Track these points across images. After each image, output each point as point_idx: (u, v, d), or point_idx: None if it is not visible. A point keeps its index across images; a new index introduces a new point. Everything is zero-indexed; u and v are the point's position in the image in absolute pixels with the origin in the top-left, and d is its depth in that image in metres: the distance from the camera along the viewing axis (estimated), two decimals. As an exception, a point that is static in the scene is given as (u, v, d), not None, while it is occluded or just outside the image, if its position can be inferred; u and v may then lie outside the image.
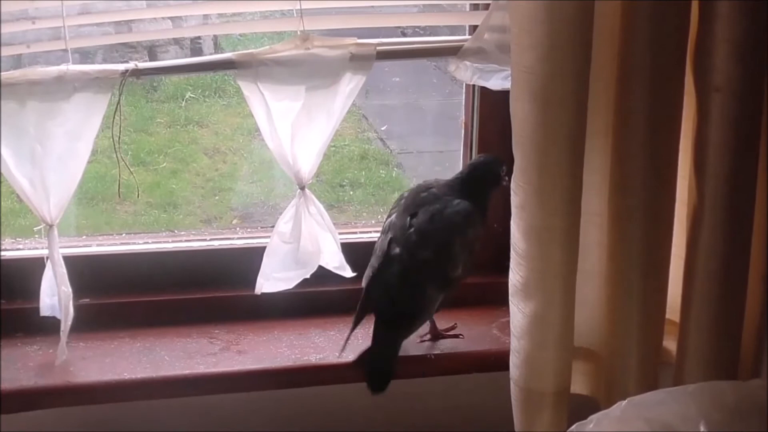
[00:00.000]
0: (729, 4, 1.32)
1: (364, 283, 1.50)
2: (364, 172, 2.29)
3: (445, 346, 1.56)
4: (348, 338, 1.50)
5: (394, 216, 1.51)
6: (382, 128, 2.46)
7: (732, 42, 1.33)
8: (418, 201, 1.51)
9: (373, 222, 1.84)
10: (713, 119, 1.37)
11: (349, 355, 1.51)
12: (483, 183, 1.53)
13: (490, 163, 1.54)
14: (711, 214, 1.40)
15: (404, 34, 1.92)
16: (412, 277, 1.47)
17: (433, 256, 1.47)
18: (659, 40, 1.34)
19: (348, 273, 1.55)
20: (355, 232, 1.73)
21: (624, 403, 1.25)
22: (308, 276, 1.54)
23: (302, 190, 1.50)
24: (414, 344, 1.55)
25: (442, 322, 1.59)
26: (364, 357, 1.49)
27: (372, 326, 1.50)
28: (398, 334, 1.49)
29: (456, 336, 1.59)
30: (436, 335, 1.58)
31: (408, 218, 1.49)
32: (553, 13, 1.28)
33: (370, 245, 1.67)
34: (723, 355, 1.44)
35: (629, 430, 1.21)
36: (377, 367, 1.49)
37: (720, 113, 1.36)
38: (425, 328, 1.56)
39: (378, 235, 1.55)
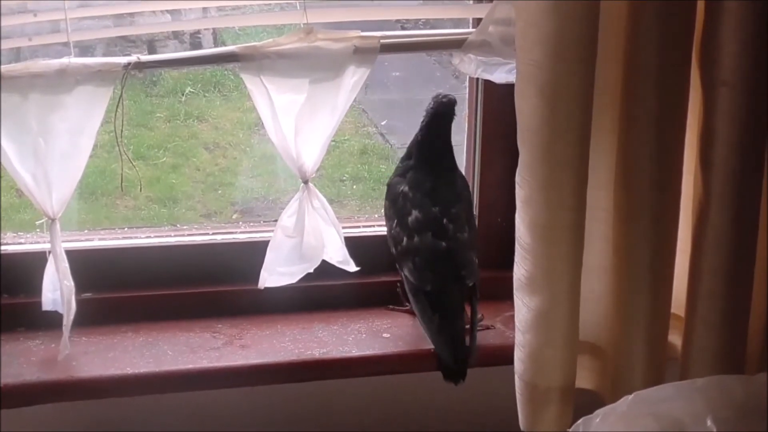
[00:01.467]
0: (737, -4, 1.32)
1: (429, 286, 1.49)
2: (365, 167, 2.29)
3: (479, 337, 1.55)
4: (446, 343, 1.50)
5: (416, 213, 1.51)
6: (382, 123, 2.46)
7: (740, 36, 1.32)
8: (427, 191, 1.52)
9: (376, 216, 1.84)
10: (720, 114, 1.36)
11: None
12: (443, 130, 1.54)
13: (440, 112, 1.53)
14: (717, 208, 1.39)
15: (404, 28, 1.91)
16: (470, 259, 1.51)
17: (468, 233, 1.52)
18: (666, 35, 1.33)
19: (352, 267, 1.55)
20: (358, 227, 1.73)
21: (630, 397, 1.25)
22: (311, 270, 1.54)
23: (305, 184, 1.50)
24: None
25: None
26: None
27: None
28: (471, 315, 1.52)
29: (487, 327, 1.60)
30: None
31: (434, 210, 1.51)
32: (560, 7, 1.27)
33: (372, 239, 1.68)
34: (729, 350, 1.44)
35: (635, 424, 1.21)
36: (462, 356, 1.49)
37: (727, 108, 1.35)
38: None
39: (381, 230, 1.55)
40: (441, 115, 1.52)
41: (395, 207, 1.54)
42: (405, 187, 1.53)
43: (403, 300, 1.60)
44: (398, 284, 1.59)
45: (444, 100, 1.52)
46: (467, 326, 1.51)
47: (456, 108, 1.53)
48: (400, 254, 1.52)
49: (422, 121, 1.54)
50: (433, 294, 1.49)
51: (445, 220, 1.50)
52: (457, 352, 1.49)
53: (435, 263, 1.49)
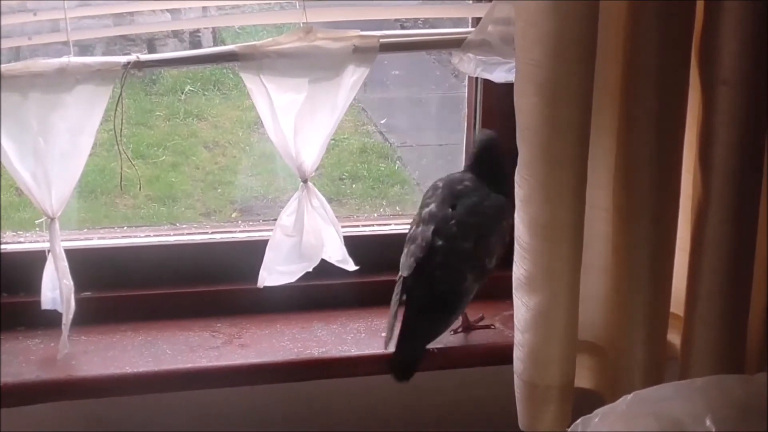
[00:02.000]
0: (736, -4, 1.32)
1: (406, 272, 1.49)
2: (364, 166, 2.29)
3: (478, 336, 1.57)
4: (392, 328, 1.49)
5: (433, 206, 1.51)
6: (382, 122, 2.46)
7: (739, 35, 1.32)
8: (455, 192, 1.51)
9: (375, 215, 1.84)
10: (719, 113, 1.36)
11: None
12: (498, 159, 1.53)
13: (494, 138, 1.55)
14: (716, 207, 1.39)
15: (403, 28, 1.91)
16: (455, 268, 1.48)
17: (473, 248, 1.48)
18: (666, 34, 1.33)
19: (351, 266, 1.55)
20: (357, 225, 1.73)
21: (629, 397, 1.25)
22: (311, 269, 1.54)
23: (305, 183, 1.50)
24: (447, 335, 1.55)
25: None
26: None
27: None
28: (434, 323, 1.49)
29: (487, 327, 1.59)
30: (468, 327, 1.58)
31: (449, 210, 1.50)
32: (560, 6, 1.27)
33: (371, 238, 1.67)
34: (729, 349, 1.44)
35: (635, 424, 1.21)
36: (408, 356, 1.49)
37: (726, 107, 1.35)
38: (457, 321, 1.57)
39: (383, 225, 1.55)
40: (486, 149, 1.54)
41: (425, 195, 1.54)
42: (441, 183, 1.54)
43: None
44: None
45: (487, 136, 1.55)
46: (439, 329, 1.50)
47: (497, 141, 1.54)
48: (407, 239, 1.52)
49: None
50: (407, 283, 1.49)
51: (452, 222, 1.49)
52: (404, 348, 1.48)
53: (422, 255, 1.48)
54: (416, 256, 1.48)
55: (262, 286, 1.53)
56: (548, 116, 1.32)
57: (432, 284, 1.48)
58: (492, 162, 1.53)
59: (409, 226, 1.54)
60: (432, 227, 1.49)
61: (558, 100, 1.31)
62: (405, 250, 1.51)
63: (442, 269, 1.48)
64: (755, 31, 1.32)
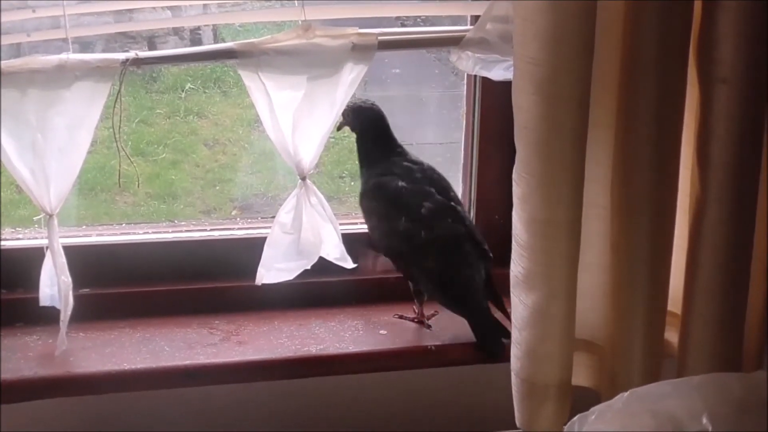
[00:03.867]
0: (734, -6, 1.32)
1: (453, 273, 1.52)
2: (363, 164, 2.29)
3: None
4: None
5: (429, 203, 1.52)
6: (382, 120, 2.45)
7: (738, 32, 1.32)
8: (419, 180, 1.55)
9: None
10: (717, 110, 1.36)
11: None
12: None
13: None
14: (714, 205, 1.39)
15: (404, 25, 1.91)
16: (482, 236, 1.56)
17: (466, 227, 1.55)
18: (663, 31, 1.33)
19: (349, 264, 1.55)
20: (355, 223, 1.72)
21: (626, 394, 1.25)
22: (309, 267, 1.54)
23: (303, 180, 1.50)
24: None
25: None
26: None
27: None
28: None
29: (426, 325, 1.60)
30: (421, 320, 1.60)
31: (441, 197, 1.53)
32: (557, 3, 1.27)
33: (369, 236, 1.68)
34: (726, 347, 1.44)
35: (632, 422, 1.21)
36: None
37: (724, 104, 1.35)
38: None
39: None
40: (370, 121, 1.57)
41: (398, 203, 1.53)
42: (402, 182, 1.53)
43: (418, 308, 1.60)
44: (414, 287, 1.58)
45: (365, 106, 1.57)
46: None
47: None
48: (418, 247, 1.52)
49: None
50: (461, 280, 1.51)
51: (452, 204, 1.53)
52: (497, 331, 1.51)
53: (460, 247, 1.51)
54: (459, 251, 1.52)
55: (260, 284, 1.53)
56: (546, 114, 1.32)
57: (486, 260, 1.55)
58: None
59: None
60: (449, 220, 1.53)
61: (556, 98, 1.31)
62: (433, 256, 1.52)
63: (484, 242, 1.56)
64: (753, 30, 1.32)
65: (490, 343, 1.51)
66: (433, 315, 1.59)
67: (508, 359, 1.46)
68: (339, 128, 1.55)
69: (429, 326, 1.58)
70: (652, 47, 1.34)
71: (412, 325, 1.59)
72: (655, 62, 1.34)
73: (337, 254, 1.55)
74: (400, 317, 1.60)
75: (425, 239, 1.51)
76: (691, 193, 1.43)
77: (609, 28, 1.36)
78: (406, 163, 1.56)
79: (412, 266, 1.54)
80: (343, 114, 1.52)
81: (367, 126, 1.57)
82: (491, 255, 1.54)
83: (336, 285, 1.62)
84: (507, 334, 1.48)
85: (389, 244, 1.55)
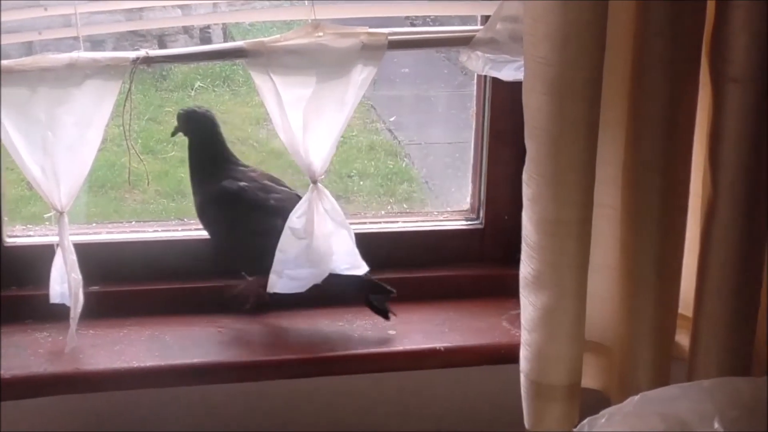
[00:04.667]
0: (747, -7, 1.31)
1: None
2: (372, 163, 2.29)
3: (484, 336, 1.57)
4: None
5: (277, 195, 1.55)
6: (391, 119, 2.45)
7: (750, 32, 1.32)
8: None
9: (382, 213, 1.84)
10: (729, 110, 1.35)
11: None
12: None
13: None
14: (725, 206, 1.39)
15: (413, 25, 1.91)
16: None
17: None
18: (675, 30, 1.33)
19: (362, 270, 1.54)
20: (365, 223, 1.72)
21: (637, 398, 1.25)
22: (319, 281, 1.52)
23: (314, 184, 1.49)
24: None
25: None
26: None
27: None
28: None
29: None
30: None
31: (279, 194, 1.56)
32: (568, 3, 1.27)
33: (379, 236, 1.68)
34: (737, 351, 1.43)
35: (642, 425, 1.21)
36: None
37: (736, 105, 1.35)
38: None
39: (390, 223, 1.61)
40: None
41: (246, 202, 1.54)
42: (240, 183, 1.55)
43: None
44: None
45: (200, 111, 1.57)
46: None
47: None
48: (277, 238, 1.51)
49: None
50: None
51: (297, 194, 1.54)
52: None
53: None
54: None
55: (271, 292, 1.52)
56: (556, 114, 1.31)
57: None
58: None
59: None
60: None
61: (566, 98, 1.31)
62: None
63: None
64: (764, 29, 1.32)
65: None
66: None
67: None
68: (173, 134, 1.57)
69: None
70: (664, 46, 1.33)
71: (421, 326, 1.58)
72: (666, 62, 1.34)
73: (348, 264, 1.53)
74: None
75: (282, 228, 1.51)
76: (702, 194, 1.42)
77: (620, 27, 1.36)
78: (241, 168, 1.58)
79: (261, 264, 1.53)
80: (177, 118, 1.54)
81: (200, 132, 1.57)
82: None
83: (345, 284, 1.61)
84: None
85: (247, 247, 1.54)
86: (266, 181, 1.57)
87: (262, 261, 1.51)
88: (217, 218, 1.56)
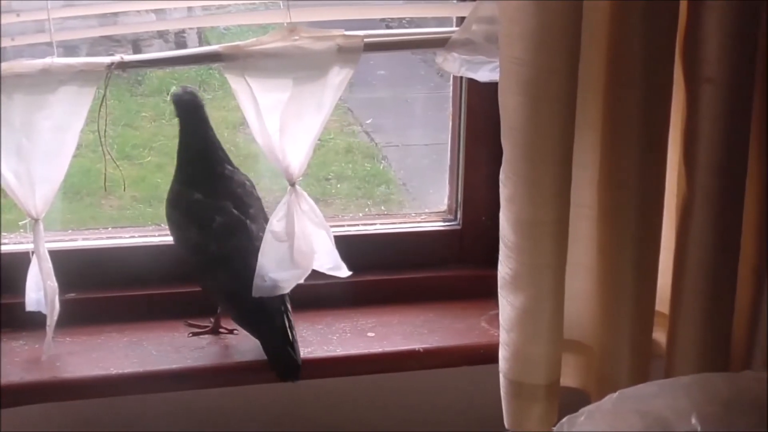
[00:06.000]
0: (720, -6, 1.32)
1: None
2: (349, 166, 2.29)
3: (462, 337, 1.57)
4: None
5: (220, 218, 1.50)
6: (368, 121, 2.45)
7: (724, 32, 1.33)
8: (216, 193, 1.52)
9: (360, 215, 1.84)
10: (704, 110, 1.37)
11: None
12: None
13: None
14: (701, 205, 1.40)
15: (389, 27, 1.91)
16: None
17: None
18: (649, 31, 1.33)
19: (344, 273, 1.53)
20: (342, 225, 1.72)
21: (615, 395, 1.25)
22: (302, 280, 1.52)
23: (293, 186, 1.49)
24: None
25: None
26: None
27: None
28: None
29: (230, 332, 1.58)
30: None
31: (237, 212, 1.51)
32: (542, 3, 1.27)
33: (357, 238, 1.67)
34: (714, 347, 1.44)
35: (621, 422, 1.21)
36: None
37: (710, 104, 1.36)
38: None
39: (368, 225, 1.61)
40: (186, 110, 1.51)
41: (191, 215, 1.51)
42: (198, 194, 1.51)
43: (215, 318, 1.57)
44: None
45: (181, 92, 1.51)
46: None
47: (199, 97, 1.51)
48: (209, 262, 1.50)
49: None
50: (252, 299, 1.46)
51: (248, 222, 1.50)
52: (292, 347, 1.48)
53: (249, 266, 1.47)
54: (248, 270, 1.48)
55: (257, 296, 1.51)
56: (532, 114, 1.32)
57: None
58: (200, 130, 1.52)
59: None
60: (238, 237, 1.51)
61: (541, 98, 1.31)
62: (224, 271, 1.50)
63: None
64: (738, 29, 1.33)
65: (282, 364, 1.48)
66: (231, 331, 1.57)
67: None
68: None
69: (227, 330, 1.56)
70: (639, 47, 1.34)
71: (400, 328, 1.59)
72: (641, 62, 1.35)
73: (331, 264, 1.53)
74: (190, 325, 1.58)
75: (215, 253, 1.49)
76: (677, 193, 1.43)
77: (595, 28, 1.36)
78: (218, 168, 1.53)
79: (206, 279, 1.52)
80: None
81: (187, 115, 1.52)
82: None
83: (323, 288, 1.61)
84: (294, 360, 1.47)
85: (185, 255, 1.53)
86: (223, 200, 1.51)
87: (204, 277, 1.51)
88: (168, 217, 1.54)
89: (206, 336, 1.55)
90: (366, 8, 1.60)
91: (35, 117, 1.39)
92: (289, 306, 1.51)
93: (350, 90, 2.01)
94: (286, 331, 1.48)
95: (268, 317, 1.48)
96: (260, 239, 1.48)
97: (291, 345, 1.48)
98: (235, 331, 1.56)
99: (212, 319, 1.57)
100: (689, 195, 1.40)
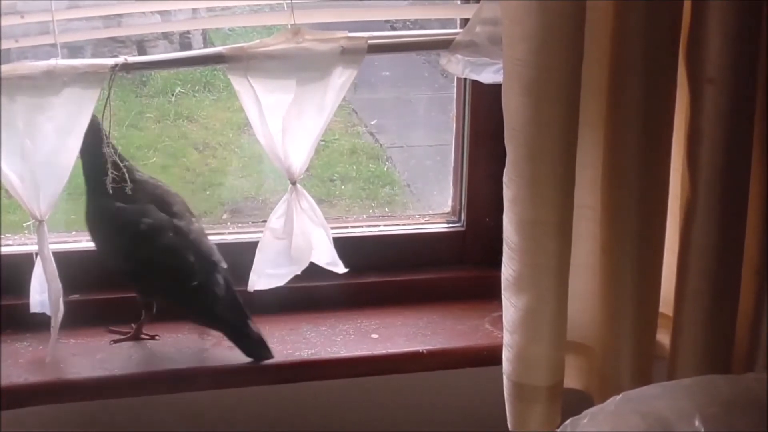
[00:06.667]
0: (723, -6, 1.32)
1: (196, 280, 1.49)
2: (354, 167, 2.29)
3: (466, 338, 1.57)
4: None
5: (147, 220, 1.50)
6: (372, 122, 2.45)
7: (726, 32, 1.33)
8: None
9: (364, 216, 1.84)
10: (706, 111, 1.36)
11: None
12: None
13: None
14: (704, 206, 1.39)
15: (393, 29, 1.91)
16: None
17: (197, 223, 1.56)
18: (652, 31, 1.33)
19: (340, 269, 1.54)
20: (346, 227, 1.73)
21: (618, 397, 1.25)
22: (299, 273, 1.53)
23: (293, 185, 1.49)
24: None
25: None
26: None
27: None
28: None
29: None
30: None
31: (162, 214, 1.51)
32: (545, 4, 1.27)
33: (361, 240, 1.68)
34: (717, 349, 1.44)
35: (624, 424, 1.21)
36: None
37: (713, 104, 1.35)
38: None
39: (372, 227, 1.61)
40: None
41: (117, 224, 1.50)
42: (119, 203, 1.49)
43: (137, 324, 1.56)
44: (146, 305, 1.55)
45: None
46: None
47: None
48: (143, 265, 1.50)
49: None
50: (198, 294, 1.48)
51: (174, 220, 1.50)
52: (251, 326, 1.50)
53: (184, 260, 1.48)
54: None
55: (252, 290, 1.52)
56: (535, 115, 1.32)
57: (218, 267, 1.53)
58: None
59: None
60: (170, 234, 1.50)
61: (544, 99, 1.31)
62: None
63: (214, 252, 1.54)
64: (741, 30, 1.33)
65: (256, 347, 1.49)
66: (153, 337, 1.56)
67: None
68: None
69: (149, 336, 1.56)
70: (641, 47, 1.34)
71: (403, 329, 1.59)
72: (643, 62, 1.34)
73: (329, 259, 1.54)
74: (111, 331, 1.57)
75: (147, 255, 1.50)
76: (681, 195, 1.43)
77: (598, 28, 1.36)
78: (133, 174, 1.51)
79: (143, 283, 1.52)
80: None
81: (89, 137, 1.46)
82: (224, 265, 1.51)
83: (327, 289, 1.61)
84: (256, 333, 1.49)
85: (117, 265, 1.52)
86: (146, 203, 1.51)
87: (141, 282, 1.52)
88: (93, 235, 1.53)
89: (209, 337, 1.55)
90: (370, 10, 1.61)
91: (39, 119, 1.39)
92: (228, 284, 1.50)
93: (355, 91, 2.02)
94: (239, 312, 1.49)
95: (223, 310, 1.49)
96: (191, 233, 1.50)
97: (245, 320, 1.49)
98: (157, 337, 1.56)
99: (133, 325, 1.56)
100: (692, 196, 1.40)
